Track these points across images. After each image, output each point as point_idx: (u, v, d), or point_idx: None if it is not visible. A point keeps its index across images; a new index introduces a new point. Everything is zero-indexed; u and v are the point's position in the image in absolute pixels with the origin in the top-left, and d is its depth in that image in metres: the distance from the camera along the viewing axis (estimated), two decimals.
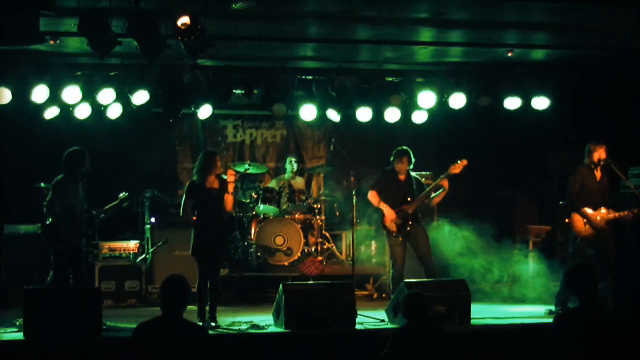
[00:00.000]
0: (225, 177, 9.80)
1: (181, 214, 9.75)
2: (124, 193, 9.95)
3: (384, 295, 11.80)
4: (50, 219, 9.53)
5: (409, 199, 10.45)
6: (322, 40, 11.37)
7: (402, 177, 10.54)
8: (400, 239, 10.40)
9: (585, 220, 10.23)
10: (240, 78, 12.16)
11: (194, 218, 9.70)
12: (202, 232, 9.57)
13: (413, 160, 10.56)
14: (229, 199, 9.71)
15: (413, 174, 10.65)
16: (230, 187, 9.73)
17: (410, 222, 10.37)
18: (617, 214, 10.30)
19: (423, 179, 11.02)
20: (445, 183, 10.46)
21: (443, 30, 10.97)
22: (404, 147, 10.59)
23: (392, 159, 10.58)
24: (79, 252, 9.60)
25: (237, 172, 12.27)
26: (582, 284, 5.97)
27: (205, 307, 9.52)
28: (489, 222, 11.97)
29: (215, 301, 9.61)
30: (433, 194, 10.52)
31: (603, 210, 10.26)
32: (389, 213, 10.40)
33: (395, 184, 10.53)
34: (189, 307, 9.48)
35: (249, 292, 11.79)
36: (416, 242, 10.45)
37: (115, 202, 10.01)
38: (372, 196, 10.58)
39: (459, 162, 10.42)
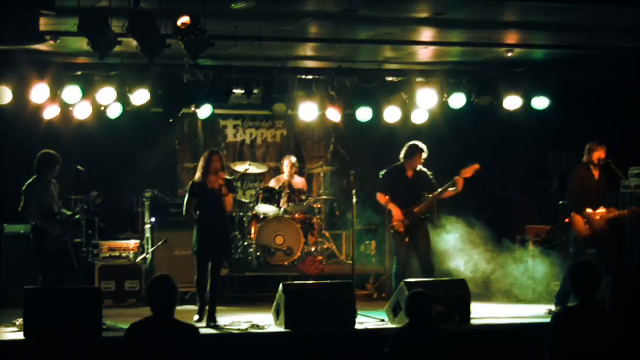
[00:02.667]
0: (228, 177, 9.87)
1: (184, 212, 9.83)
2: (94, 192, 9.91)
3: (384, 295, 11.80)
4: (33, 222, 9.57)
5: (416, 202, 10.43)
6: (322, 40, 11.37)
7: (409, 173, 10.52)
8: (407, 239, 10.40)
9: (585, 220, 10.23)
10: (240, 78, 12.16)
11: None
12: (204, 232, 9.64)
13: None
14: (228, 200, 9.75)
15: (420, 167, 10.60)
16: (224, 189, 9.71)
17: (417, 223, 10.39)
18: (617, 213, 10.31)
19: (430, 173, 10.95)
20: (460, 183, 10.39)
21: (443, 30, 10.97)
22: (418, 143, 10.54)
23: (404, 155, 10.51)
24: (66, 252, 9.62)
25: (236, 171, 12.31)
26: (585, 280, 5.96)
27: (205, 306, 9.56)
28: (488, 222, 11.97)
29: (215, 301, 9.63)
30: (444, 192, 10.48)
31: (602, 209, 10.26)
32: (397, 214, 10.40)
33: (402, 182, 10.51)
34: (189, 307, 9.58)
35: (249, 292, 11.79)
36: (417, 241, 10.46)
37: (88, 202, 9.95)
38: (380, 197, 10.61)
39: (470, 165, 10.44)
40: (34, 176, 9.67)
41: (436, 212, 12.14)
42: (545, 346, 5.90)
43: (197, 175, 9.77)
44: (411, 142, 10.61)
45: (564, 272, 10.26)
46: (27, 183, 9.65)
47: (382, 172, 10.79)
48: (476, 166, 10.45)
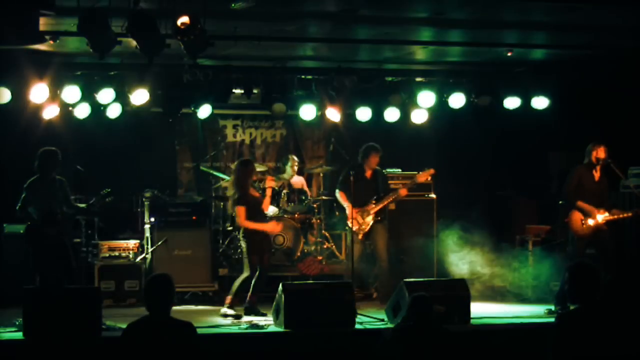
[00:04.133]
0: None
1: (241, 223, 10.16)
2: (106, 189, 9.98)
3: None
4: (28, 221, 9.58)
5: (373, 201, 11.04)
6: (322, 40, 11.37)
7: (368, 173, 11.12)
8: (360, 236, 11.05)
9: (583, 219, 10.23)
10: (240, 78, 12.17)
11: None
12: (254, 236, 10.16)
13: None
14: (266, 202, 10.53)
15: (378, 168, 11.19)
16: (269, 192, 10.62)
17: (371, 222, 10.96)
18: (619, 215, 10.29)
19: (420, 176, 11.27)
20: (404, 192, 11.10)
21: (443, 30, 10.97)
22: (375, 144, 11.14)
23: (361, 155, 11.14)
24: (65, 252, 9.62)
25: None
26: (585, 282, 5.96)
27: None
28: (488, 222, 11.97)
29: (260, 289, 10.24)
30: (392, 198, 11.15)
31: (602, 210, 10.24)
32: (350, 212, 11.01)
33: (361, 182, 11.05)
34: (189, 307, 9.52)
35: None
36: (374, 239, 11.07)
37: (97, 198, 9.98)
38: (340, 195, 11.28)
39: (426, 170, 11.25)
40: (37, 175, 9.68)
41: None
42: (548, 347, 5.90)
43: (237, 187, 10.18)
44: (367, 144, 11.23)
45: (563, 273, 10.26)
46: (28, 181, 9.67)
47: (343, 172, 11.42)
48: (431, 171, 11.23)
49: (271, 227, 10.34)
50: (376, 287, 12.28)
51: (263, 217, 10.43)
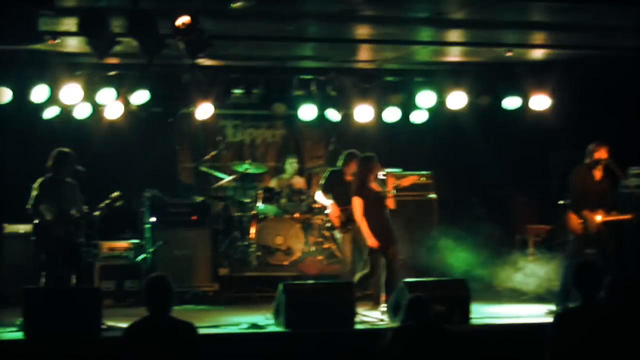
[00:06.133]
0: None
1: (358, 216, 10.09)
2: (116, 192, 9.98)
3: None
4: (37, 219, 9.57)
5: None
6: (322, 39, 11.38)
7: (348, 177, 11.02)
8: (345, 235, 11.05)
9: (582, 221, 10.23)
10: (240, 78, 12.18)
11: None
12: (374, 230, 10.03)
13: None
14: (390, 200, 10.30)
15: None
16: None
17: (353, 221, 10.82)
18: (619, 217, 10.28)
19: (423, 178, 11.26)
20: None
21: (443, 30, 10.97)
22: (354, 151, 11.11)
23: (342, 161, 11.14)
24: (75, 252, 9.62)
25: (236, 171, 12.33)
26: (587, 280, 5.96)
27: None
28: (488, 222, 11.97)
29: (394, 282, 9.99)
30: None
31: (602, 211, 10.23)
32: (333, 210, 11.04)
33: (342, 184, 11.02)
34: (188, 306, 9.51)
35: (249, 292, 11.79)
36: (360, 237, 10.80)
37: (107, 202, 10.00)
38: (321, 196, 11.27)
39: (407, 176, 11.25)
40: (48, 174, 9.67)
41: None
42: (546, 346, 5.90)
43: (362, 181, 10.13)
44: (348, 151, 11.21)
45: (564, 272, 10.27)
46: (39, 180, 9.65)
47: (325, 174, 11.47)
48: (413, 178, 11.17)
49: (372, 241, 10.03)
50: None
51: (382, 213, 10.17)
